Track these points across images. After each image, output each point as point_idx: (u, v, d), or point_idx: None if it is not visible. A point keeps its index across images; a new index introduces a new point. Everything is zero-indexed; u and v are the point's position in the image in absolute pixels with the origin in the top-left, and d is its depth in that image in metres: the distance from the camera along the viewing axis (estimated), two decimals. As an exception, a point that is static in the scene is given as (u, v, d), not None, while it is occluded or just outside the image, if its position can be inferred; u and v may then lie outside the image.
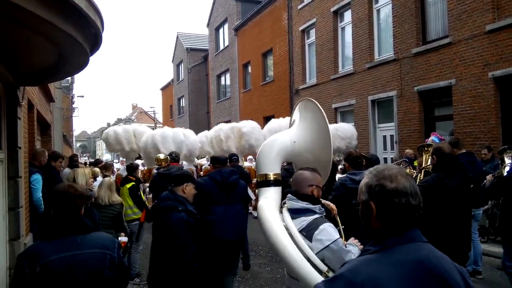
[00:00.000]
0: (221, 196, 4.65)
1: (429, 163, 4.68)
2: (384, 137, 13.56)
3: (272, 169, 2.99)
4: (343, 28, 15.57)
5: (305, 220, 2.56)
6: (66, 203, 2.36)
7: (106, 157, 16.80)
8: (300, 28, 17.88)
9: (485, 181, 5.89)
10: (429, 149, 4.77)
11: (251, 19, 22.72)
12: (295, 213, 2.59)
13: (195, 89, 33.36)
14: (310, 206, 2.62)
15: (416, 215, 1.49)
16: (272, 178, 2.97)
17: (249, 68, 23.70)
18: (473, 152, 6.44)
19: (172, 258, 3.44)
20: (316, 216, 2.60)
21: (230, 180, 4.94)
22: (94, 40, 3.24)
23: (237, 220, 4.97)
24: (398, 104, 12.50)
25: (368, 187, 1.56)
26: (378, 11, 13.76)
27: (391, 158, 12.57)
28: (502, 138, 9.31)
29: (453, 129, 10.60)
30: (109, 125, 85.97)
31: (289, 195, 2.75)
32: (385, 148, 13.51)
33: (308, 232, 2.49)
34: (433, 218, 3.91)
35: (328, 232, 2.49)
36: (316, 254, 2.38)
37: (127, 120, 69.32)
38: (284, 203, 2.70)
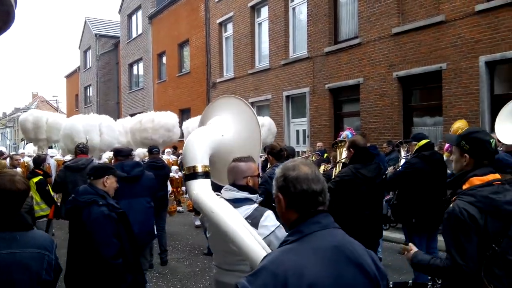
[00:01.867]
0: (124, 189, 4.42)
1: (343, 156, 4.96)
2: (297, 131, 14.09)
3: (201, 161, 2.90)
4: (260, 24, 15.82)
5: (249, 208, 2.58)
6: (6, 198, 2.18)
7: (30, 148, 14.86)
8: (218, 21, 17.82)
9: (386, 172, 6.41)
10: (342, 144, 5.07)
11: (166, 8, 22.13)
12: (237, 202, 2.59)
13: (104, 78, 31.76)
14: (249, 195, 2.64)
15: (320, 199, 1.55)
16: (201, 170, 2.88)
17: (164, 58, 23.10)
18: (376, 146, 6.95)
19: (93, 256, 3.24)
20: (256, 204, 2.63)
21: (133, 173, 4.79)
22: (5, 18, 2.92)
23: (142, 214, 4.90)
24: (310, 100, 13.05)
25: (275, 180, 1.64)
26: (294, 9, 14.18)
27: (304, 151, 13.09)
28: (403, 133, 10.15)
29: (359, 125, 11.33)
30: (5, 115, 78.44)
31: (227, 186, 2.74)
32: (298, 142, 14.04)
33: (253, 220, 2.50)
34: (351, 207, 4.18)
35: (272, 218, 2.54)
36: (263, 240, 2.40)
37: (25, 110, 63.88)
38: (218, 195, 2.68)
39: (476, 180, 2.34)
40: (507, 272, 2.25)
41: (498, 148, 5.93)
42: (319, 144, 11.02)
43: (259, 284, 1.39)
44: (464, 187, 2.37)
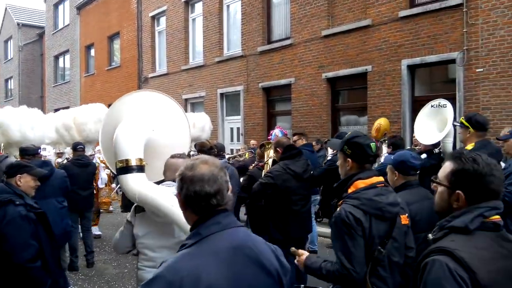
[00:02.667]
0: None
1: (270, 155, 5.08)
2: (232, 129, 14.14)
3: (134, 154, 2.76)
4: (194, 20, 15.63)
5: None
6: None
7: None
8: (150, 14, 17.35)
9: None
10: (269, 146, 5.20)
11: (95, -1, 21.18)
12: None
13: (27, 70, 29.80)
14: None
15: (214, 202, 1.51)
16: (134, 163, 2.76)
17: (93, 50, 22.09)
18: (311, 144, 7.17)
19: (8, 259, 3.03)
20: None
21: None
22: None
23: (54, 214, 4.72)
24: (244, 98, 13.14)
25: (176, 181, 1.61)
26: (228, 6, 14.17)
27: (238, 149, 13.15)
28: (331, 132, 10.54)
29: (291, 123, 11.60)
30: None
31: (168, 182, 2.69)
32: (232, 140, 14.09)
33: None
34: (280, 202, 4.31)
35: None
36: None
37: None
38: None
39: (361, 183, 2.39)
40: (392, 273, 2.35)
41: (417, 147, 6.36)
42: (252, 142, 11.14)
43: None
44: (350, 190, 2.40)
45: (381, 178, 2.49)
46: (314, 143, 8.90)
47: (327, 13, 10.61)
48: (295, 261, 2.55)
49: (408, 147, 7.09)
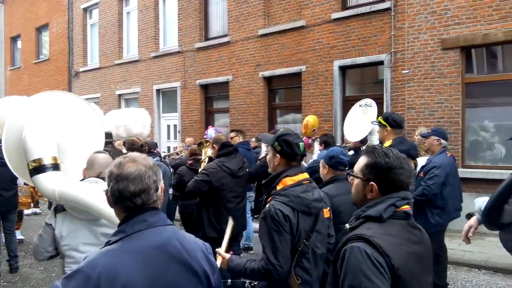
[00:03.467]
0: None
1: (208, 154, 5.08)
2: (168, 126, 13.90)
3: (48, 152, 2.61)
4: (128, 13, 15.16)
5: None
6: None
7: None
8: (82, 6, 16.59)
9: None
10: (208, 144, 5.19)
11: (21, -13, 19.88)
12: None
13: None
14: None
15: (138, 201, 1.51)
16: (48, 162, 2.61)
17: (19, 42, 20.73)
18: (248, 141, 7.24)
19: None
20: None
21: None
22: None
23: None
24: (181, 95, 12.96)
25: (106, 177, 1.61)
26: (164, 1, 13.89)
27: (175, 146, 12.96)
28: (267, 130, 10.68)
29: (229, 121, 11.63)
30: None
31: (90, 178, 2.59)
32: (168, 137, 13.85)
33: None
34: (217, 200, 4.33)
35: None
36: None
37: None
38: None
39: (289, 181, 2.48)
40: (316, 264, 2.48)
41: (348, 144, 6.63)
42: (188, 139, 11.00)
43: (72, 286, 1.38)
44: (278, 187, 2.48)
45: (306, 175, 2.58)
46: (253, 139, 8.99)
47: (263, 13, 10.73)
48: (219, 263, 2.55)
49: (339, 144, 7.39)
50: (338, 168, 3.36)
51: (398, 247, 1.59)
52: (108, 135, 7.70)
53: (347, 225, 1.80)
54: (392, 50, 8.51)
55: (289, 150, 2.49)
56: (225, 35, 11.75)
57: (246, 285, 2.74)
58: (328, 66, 9.49)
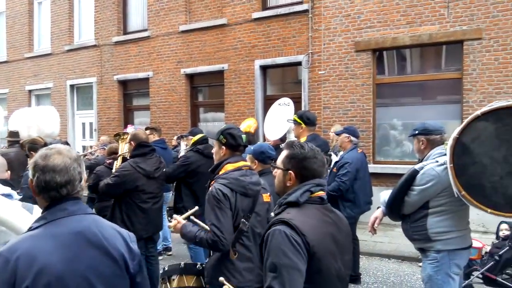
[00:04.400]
0: None
1: (125, 150, 4.87)
2: (83, 124, 13.19)
3: None
4: (40, 3, 14.15)
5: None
6: None
7: None
8: (-15, -7, 15.20)
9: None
10: (125, 137, 4.97)
11: None
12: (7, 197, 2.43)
13: None
14: (11, 191, 2.58)
15: (64, 191, 1.60)
16: None
17: None
18: (164, 139, 7.08)
19: None
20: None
21: None
22: None
23: None
24: (98, 91, 12.38)
25: (29, 168, 1.69)
26: (80, -8, 13.18)
27: (91, 145, 12.34)
28: (190, 128, 10.55)
29: (149, 119, 11.32)
30: None
31: None
32: (84, 136, 13.16)
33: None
34: (132, 201, 4.17)
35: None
36: None
37: None
38: None
39: (230, 166, 2.82)
40: (255, 242, 2.74)
41: (269, 143, 6.75)
42: (102, 138, 10.51)
43: None
44: (220, 172, 2.82)
45: (247, 163, 2.97)
46: (176, 137, 8.81)
47: (185, 8, 10.57)
48: (170, 225, 2.90)
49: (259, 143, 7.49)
50: (267, 162, 3.64)
51: (314, 227, 1.82)
52: (15, 134, 7.15)
53: (272, 214, 2.06)
54: (310, 51, 8.80)
55: (234, 142, 2.86)
56: (145, 30, 11.41)
57: (197, 266, 3.10)
58: (249, 65, 9.59)
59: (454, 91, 7.83)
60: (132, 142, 4.45)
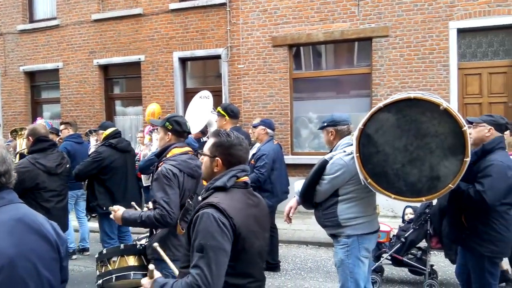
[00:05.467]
0: None
1: (23, 146, 4.54)
2: (-15, 119, 12.06)
3: None
4: None
5: None
6: None
7: None
8: None
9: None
10: (23, 132, 4.64)
11: None
12: None
13: None
14: None
15: (3, 180, 1.63)
16: None
17: None
18: (80, 134, 6.70)
19: None
20: None
21: None
22: None
23: None
24: (1, 83, 11.38)
25: None
26: (-24, -27, 11.96)
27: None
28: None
29: (60, 112, 10.65)
30: None
31: None
32: (-14, 131, 12.03)
33: None
34: (33, 200, 3.89)
35: None
36: None
37: None
38: None
39: (177, 150, 3.07)
40: None
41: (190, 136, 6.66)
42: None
43: None
44: (168, 155, 3.05)
45: (190, 148, 3.22)
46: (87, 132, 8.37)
47: (98, -4, 10.06)
48: (112, 216, 2.98)
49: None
50: (199, 153, 3.69)
51: (239, 210, 1.96)
52: None
53: (199, 197, 2.16)
54: (229, 44, 8.82)
55: (179, 128, 3.11)
56: (54, 18, 10.67)
57: (137, 246, 3.18)
58: (168, 57, 9.38)
59: (365, 85, 8.31)
60: (30, 137, 4.11)
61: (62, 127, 6.48)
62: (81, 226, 6.49)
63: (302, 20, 8.37)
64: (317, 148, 8.72)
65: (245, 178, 2.12)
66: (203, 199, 2.06)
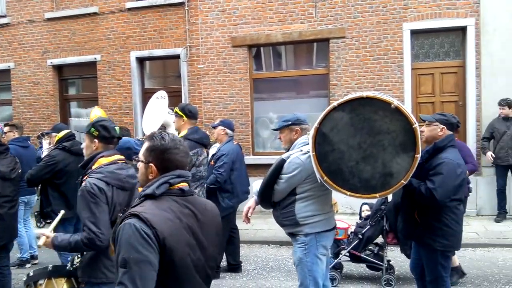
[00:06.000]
0: None
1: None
2: None
3: None
4: None
5: None
6: None
7: None
8: None
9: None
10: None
11: None
12: None
13: None
14: None
15: None
16: None
17: None
18: (27, 137, 6.42)
19: None
20: None
21: None
22: None
23: None
24: None
25: None
26: None
27: None
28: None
29: (12, 114, 10.21)
30: None
31: None
32: None
33: None
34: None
35: None
36: None
37: None
38: None
39: (104, 160, 2.73)
40: None
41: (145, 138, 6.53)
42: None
43: None
44: (94, 166, 2.72)
45: (121, 156, 2.86)
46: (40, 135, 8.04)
47: (51, -6, 9.71)
48: (41, 243, 2.64)
49: (138, 137, 7.24)
50: (132, 159, 3.46)
51: (167, 219, 1.78)
52: None
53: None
54: (188, 44, 8.73)
55: (107, 134, 2.79)
56: (4, 16, 10.19)
57: (67, 267, 2.89)
58: (125, 56, 9.17)
59: (323, 86, 8.44)
60: None
61: (6, 129, 6.13)
62: (27, 232, 6.18)
63: (261, 21, 8.40)
64: (278, 148, 8.76)
65: (182, 185, 1.93)
66: (132, 207, 1.90)
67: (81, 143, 4.92)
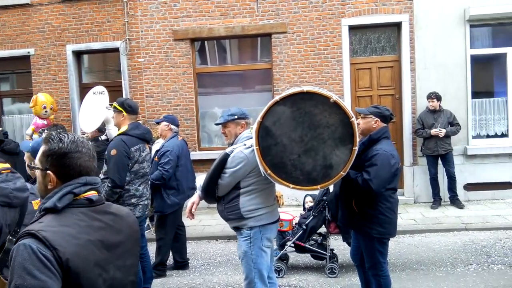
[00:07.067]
0: None
1: None
2: None
3: None
4: None
5: None
6: None
7: None
8: None
9: None
10: None
11: None
12: None
13: None
14: None
15: None
16: None
17: None
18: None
19: None
20: None
21: None
22: None
23: None
24: None
25: None
26: None
27: None
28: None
29: None
30: None
31: None
32: None
33: None
34: None
35: None
36: None
37: None
38: None
39: None
40: None
41: (85, 135, 6.28)
42: None
43: None
44: None
45: (7, 165, 2.37)
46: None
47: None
48: None
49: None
50: (29, 166, 3.13)
51: (72, 237, 1.52)
52: None
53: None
54: (127, 37, 8.47)
55: None
56: None
57: None
58: (60, 50, 8.74)
59: (267, 80, 8.52)
60: None
61: None
62: None
63: (203, 14, 8.32)
64: (225, 143, 8.75)
65: (90, 194, 1.67)
66: (31, 223, 1.61)
67: (15, 142, 4.67)
